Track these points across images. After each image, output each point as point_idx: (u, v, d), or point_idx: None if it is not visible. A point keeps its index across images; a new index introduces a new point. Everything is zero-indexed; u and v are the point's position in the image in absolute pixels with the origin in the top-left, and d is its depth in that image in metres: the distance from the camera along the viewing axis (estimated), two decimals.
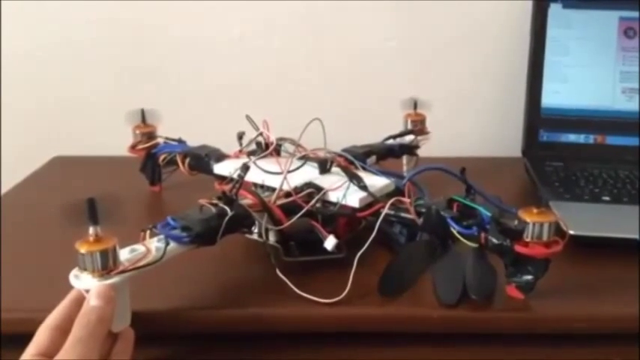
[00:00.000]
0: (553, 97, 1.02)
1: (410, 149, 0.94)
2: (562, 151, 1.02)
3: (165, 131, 0.92)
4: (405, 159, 0.95)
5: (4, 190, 0.97)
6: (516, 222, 0.62)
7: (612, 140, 1.02)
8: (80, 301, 0.56)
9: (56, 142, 1.14)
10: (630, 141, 1.01)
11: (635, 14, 1.00)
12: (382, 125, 0.92)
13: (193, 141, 0.90)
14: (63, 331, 0.54)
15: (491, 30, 1.12)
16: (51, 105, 1.15)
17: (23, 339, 0.54)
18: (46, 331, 0.54)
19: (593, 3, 1.00)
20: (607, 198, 0.86)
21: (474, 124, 1.17)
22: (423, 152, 0.95)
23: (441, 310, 0.64)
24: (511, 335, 0.65)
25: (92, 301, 0.54)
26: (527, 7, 1.01)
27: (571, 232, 0.71)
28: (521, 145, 1.03)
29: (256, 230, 0.70)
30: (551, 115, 1.02)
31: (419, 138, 0.94)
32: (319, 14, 1.11)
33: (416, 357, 0.67)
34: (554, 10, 1.01)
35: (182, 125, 0.91)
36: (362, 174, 0.75)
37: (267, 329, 0.65)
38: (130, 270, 0.56)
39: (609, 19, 1.00)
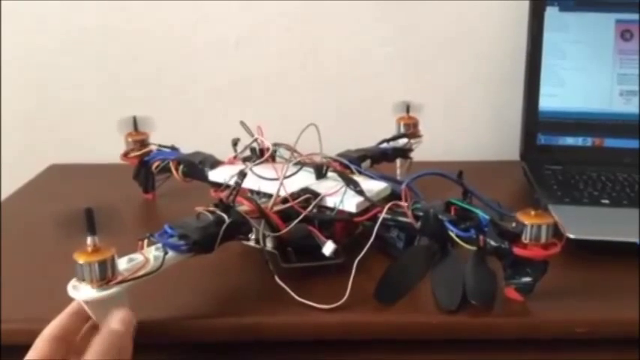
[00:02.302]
0: (550, 100, 1.02)
1: (403, 152, 0.94)
2: (560, 155, 1.01)
3: (159, 138, 0.92)
4: (398, 162, 0.95)
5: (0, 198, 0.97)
6: (514, 224, 0.62)
7: (610, 143, 1.02)
8: (79, 313, 0.56)
9: (52, 149, 1.14)
10: (629, 143, 1.00)
11: (631, 17, 1.00)
12: (376, 129, 0.92)
13: (186, 148, 0.89)
14: (62, 341, 0.54)
15: (488, 33, 1.12)
16: (46, 111, 1.15)
17: (21, 350, 0.54)
18: (45, 341, 0.54)
19: (589, 6, 1.00)
20: (606, 201, 0.86)
21: (472, 128, 1.16)
22: (420, 156, 0.95)
23: (441, 315, 0.63)
24: (511, 340, 0.65)
25: (113, 324, 0.55)
26: (524, 11, 1.01)
27: (570, 235, 0.71)
28: (519, 148, 1.03)
29: (254, 237, 0.69)
30: (548, 118, 1.02)
31: (412, 141, 0.94)
32: (313, 20, 1.11)
33: None
34: (551, 13, 1.01)
35: (175, 132, 0.91)
36: (358, 178, 0.75)
37: (265, 337, 0.64)
38: (129, 280, 0.56)
39: (606, 22, 1.00)
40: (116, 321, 0.55)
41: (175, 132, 0.91)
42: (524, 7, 1.01)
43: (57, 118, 1.16)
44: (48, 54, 1.12)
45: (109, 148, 0.92)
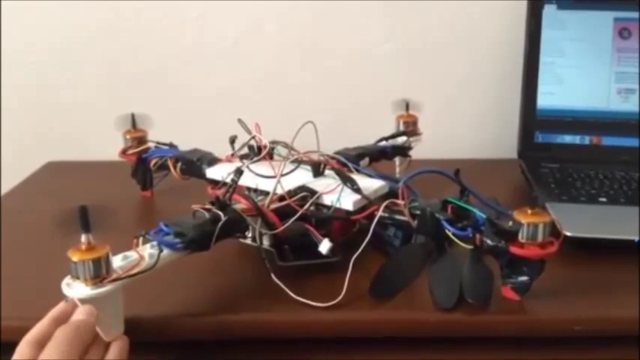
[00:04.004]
0: (548, 98, 1.02)
1: (402, 150, 0.93)
2: (558, 153, 1.01)
3: (158, 136, 0.92)
4: (397, 160, 0.95)
5: None
6: (511, 223, 0.61)
7: (608, 141, 1.01)
8: (59, 320, 0.56)
9: (50, 146, 1.14)
10: (626, 142, 1.00)
11: (630, 15, 0.99)
12: (375, 127, 0.92)
13: (184, 145, 0.89)
14: (43, 346, 0.54)
15: (486, 32, 1.11)
16: (45, 109, 1.15)
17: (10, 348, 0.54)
18: (27, 346, 0.54)
19: (587, 4, 1.00)
20: (604, 199, 0.86)
21: (470, 126, 1.16)
22: (417, 154, 0.95)
23: (438, 313, 0.63)
24: (508, 338, 0.65)
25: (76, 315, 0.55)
26: (522, 9, 1.01)
27: (568, 233, 0.71)
28: (516, 146, 1.03)
29: (250, 235, 0.69)
30: (546, 116, 1.02)
31: (411, 139, 0.94)
32: (312, 18, 1.11)
33: None
34: (549, 12, 1.01)
35: (173, 129, 0.91)
36: (355, 176, 0.75)
37: (262, 334, 0.64)
38: (123, 278, 0.56)
39: (604, 20, 1.00)
40: (78, 313, 0.55)
41: (173, 129, 0.91)
42: (522, 6, 1.01)
43: (55, 115, 1.15)
44: (47, 52, 1.12)
45: (107, 146, 0.92)
